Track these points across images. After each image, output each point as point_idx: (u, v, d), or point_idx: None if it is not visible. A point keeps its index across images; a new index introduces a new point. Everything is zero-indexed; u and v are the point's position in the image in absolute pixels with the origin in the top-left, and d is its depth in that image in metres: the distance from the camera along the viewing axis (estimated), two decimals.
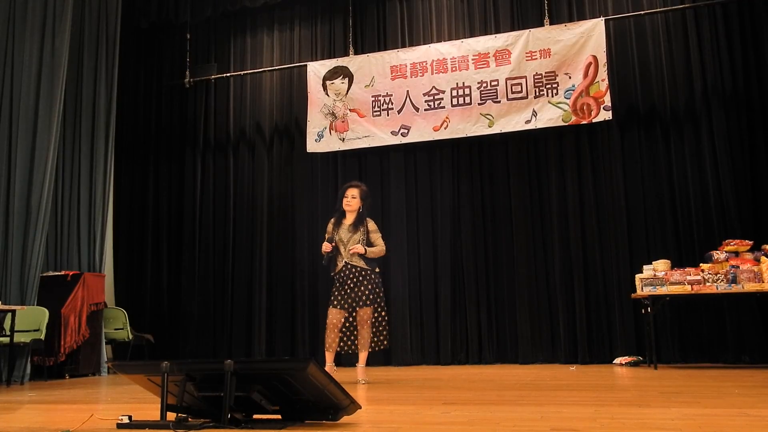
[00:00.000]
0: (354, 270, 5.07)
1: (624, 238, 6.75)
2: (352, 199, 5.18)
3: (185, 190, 8.41)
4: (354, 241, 5.10)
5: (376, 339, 5.09)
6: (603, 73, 6.81)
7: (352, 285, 5.05)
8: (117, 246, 8.38)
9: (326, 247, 5.09)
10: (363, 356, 5.08)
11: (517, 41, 7.16)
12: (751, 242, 5.90)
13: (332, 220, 5.27)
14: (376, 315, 5.07)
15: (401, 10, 7.90)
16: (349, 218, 5.19)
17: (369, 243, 5.12)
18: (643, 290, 5.88)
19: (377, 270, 5.15)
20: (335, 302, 5.08)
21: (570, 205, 6.98)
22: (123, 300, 8.10)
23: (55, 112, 6.54)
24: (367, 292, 5.02)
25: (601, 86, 6.80)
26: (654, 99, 6.89)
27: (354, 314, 5.05)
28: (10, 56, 6.54)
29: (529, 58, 7.09)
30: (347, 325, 5.08)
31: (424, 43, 7.62)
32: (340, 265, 5.12)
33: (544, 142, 7.18)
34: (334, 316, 5.06)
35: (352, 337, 5.10)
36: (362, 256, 5.07)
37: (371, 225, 5.21)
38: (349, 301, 5.03)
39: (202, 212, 8.31)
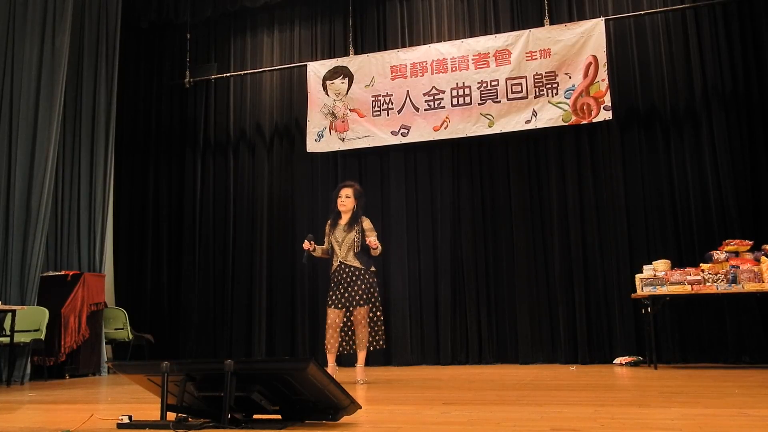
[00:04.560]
0: (348, 270, 5.08)
1: (624, 238, 6.74)
2: (346, 199, 5.21)
3: (185, 190, 8.41)
4: (349, 240, 5.12)
5: (371, 339, 5.12)
6: (603, 73, 6.80)
7: (346, 285, 5.07)
8: (117, 246, 8.37)
9: (306, 244, 5.14)
10: (362, 356, 5.10)
11: (517, 41, 7.16)
12: (751, 242, 5.90)
13: (329, 221, 5.31)
14: (371, 315, 5.09)
15: (401, 10, 7.90)
16: (344, 218, 5.21)
17: (363, 241, 5.13)
18: (643, 290, 5.88)
19: (372, 269, 5.16)
20: (332, 302, 5.10)
21: (570, 205, 6.98)
22: (123, 300, 8.09)
23: (55, 112, 6.54)
24: (360, 292, 5.04)
25: (601, 86, 6.80)
26: (654, 99, 6.89)
27: (350, 314, 5.07)
28: (10, 56, 6.55)
29: (529, 58, 7.09)
30: (345, 325, 5.10)
31: (424, 43, 7.62)
32: (335, 264, 5.15)
33: (544, 142, 7.18)
34: (335, 317, 5.07)
35: (350, 338, 5.12)
36: (357, 256, 5.09)
37: (366, 223, 5.22)
38: (344, 301, 5.05)
39: (202, 212, 8.31)
